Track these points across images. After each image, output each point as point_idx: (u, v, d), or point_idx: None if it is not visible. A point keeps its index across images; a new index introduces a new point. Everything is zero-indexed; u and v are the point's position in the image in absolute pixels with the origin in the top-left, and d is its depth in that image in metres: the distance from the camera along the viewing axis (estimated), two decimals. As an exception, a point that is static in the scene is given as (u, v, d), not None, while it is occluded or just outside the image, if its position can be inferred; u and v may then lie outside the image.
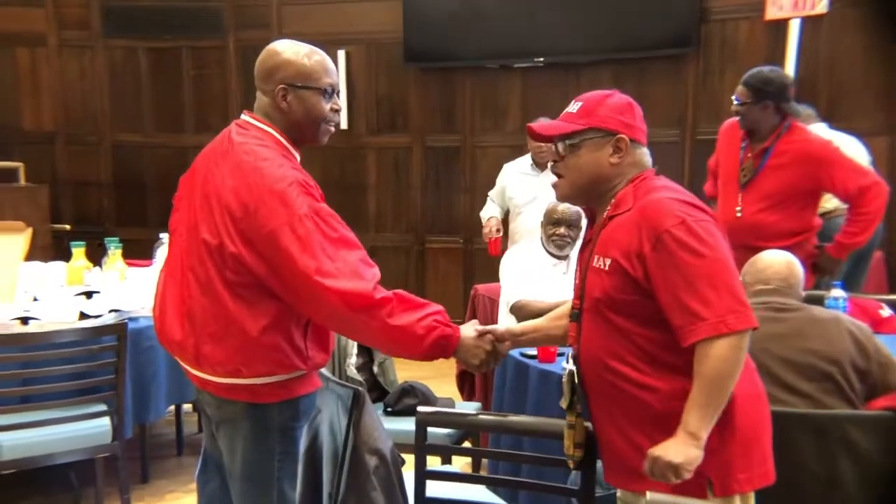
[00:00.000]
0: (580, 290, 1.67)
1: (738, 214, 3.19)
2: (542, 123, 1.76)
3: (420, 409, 1.84)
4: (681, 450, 1.45)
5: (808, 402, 1.81)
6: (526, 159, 4.16)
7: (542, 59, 5.47)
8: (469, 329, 1.81)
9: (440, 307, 1.77)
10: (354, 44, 5.89)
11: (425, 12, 5.61)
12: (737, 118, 3.19)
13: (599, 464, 1.71)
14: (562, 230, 3.18)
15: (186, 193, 1.85)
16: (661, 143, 5.45)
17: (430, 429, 2.52)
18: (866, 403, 1.85)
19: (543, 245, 3.24)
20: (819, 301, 2.54)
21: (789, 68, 4.98)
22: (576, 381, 1.65)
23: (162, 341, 1.87)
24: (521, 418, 1.76)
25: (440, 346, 1.72)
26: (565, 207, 3.20)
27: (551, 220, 3.20)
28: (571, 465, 1.72)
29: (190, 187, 1.83)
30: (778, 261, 2.12)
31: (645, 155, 1.69)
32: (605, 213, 1.64)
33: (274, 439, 1.80)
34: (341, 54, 5.83)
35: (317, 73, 1.83)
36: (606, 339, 1.59)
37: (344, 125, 5.88)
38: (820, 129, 4.08)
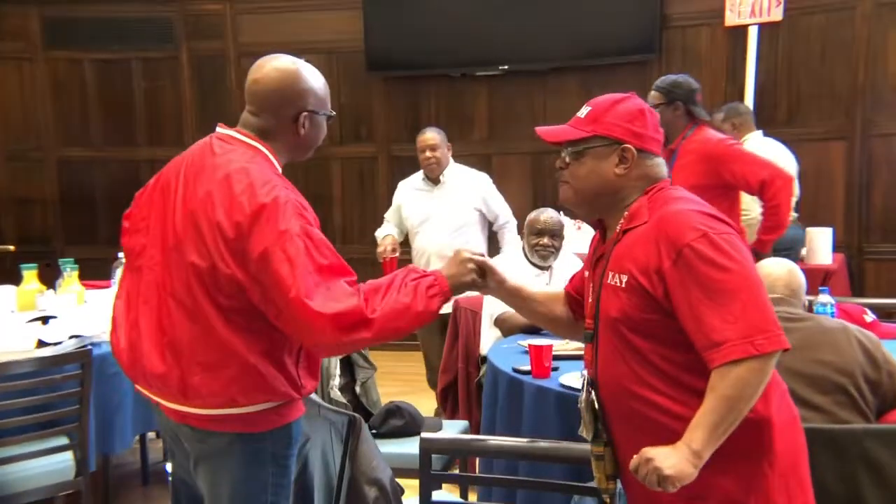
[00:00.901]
0: (594, 310, 1.57)
1: None
2: (548, 128, 1.67)
3: (424, 435, 1.73)
4: (677, 463, 1.35)
5: (822, 416, 1.76)
6: (419, 175, 3.93)
7: (506, 66, 5.42)
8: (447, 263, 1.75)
9: (406, 268, 1.72)
10: (314, 53, 5.72)
11: (386, 20, 5.52)
12: None
13: (618, 484, 1.62)
14: (545, 240, 3.12)
15: (157, 212, 1.72)
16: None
17: (407, 451, 2.44)
18: (881, 416, 1.81)
19: (526, 255, 3.17)
20: (808, 308, 2.52)
21: (749, 74, 5.05)
22: (597, 407, 1.55)
23: (133, 375, 1.73)
24: (537, 443, 1.67)
25: (432, 298, 1.65)
26: (548, 217, 3.14)
27: (534, 230, 3.14)
28: (608, 502, 1.61)
29: (161, 205, 1.71)
30: (780, 268, 2.08)
31: (658, 166, 1.59)
32: (619, 227, 1.55)
33: (267, 470, 1.71)
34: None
35: (327, 99, 1.83)
36: (627, 363, 1.49)
37: (305, 136, 5.75)
38: (756, 137, 4.15)
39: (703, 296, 1.40)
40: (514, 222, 3.87)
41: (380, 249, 3.76)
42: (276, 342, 1.63)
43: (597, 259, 1.63)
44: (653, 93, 3.35)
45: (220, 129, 1.77)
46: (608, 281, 1.53)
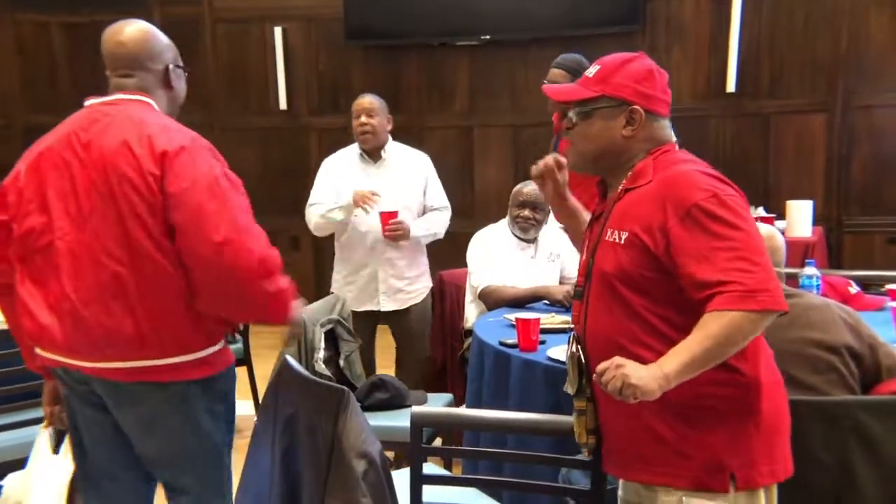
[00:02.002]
0: (586, 268, 1.58)
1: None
2: (555, 86, 1.67)
3: (415, 409, 1.71)
4: (646, 377, 1.35)
5: (817, 396, 1.76)
6: (353, 150, 3.29)
7: (487, 36, 5.35)
8: None
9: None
10: (291, 20, 5.63)
11: (366, -13, 5.41)
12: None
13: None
14: (526, 212, 3.08)
15: (53, 190, 1.73)
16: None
17: (392, 424, 2.43)
18: (871, 389, 1.81)
19: (510, 228, 3.14)
20: (793, 279, 2.53)
21: (733, 45, 5.04)
22: (583, 363, 1.55)
23: (68, 348, 1.72)
24: (529, 416, 1.66)
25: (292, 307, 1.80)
26: (531, 189, 3.10)
27: (517, 202, 3.11)
28: (586, 455, 1.63)
29: (57, 182, 1.73)
30: (768, 236, 2.04)
31: (664, 128, 1.58)
32: (622, 186, 1.54)
33: (221, 408, 1.83)
34: (278, 31, 5.57)
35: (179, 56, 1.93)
36: (618, 318, 1.49)
37: (283, 105, 5.64)
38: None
39: (712, 245, 1.40)
40: (449, 209, 3.37)
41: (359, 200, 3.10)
42: None
43: (595, 217, 1.63)
44: (556, 70, 3.39)
45: (96, 100, 1.83)
46: (606, 238, 1.53)
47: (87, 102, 1.84)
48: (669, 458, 1.47)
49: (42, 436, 1.96)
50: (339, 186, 3.19)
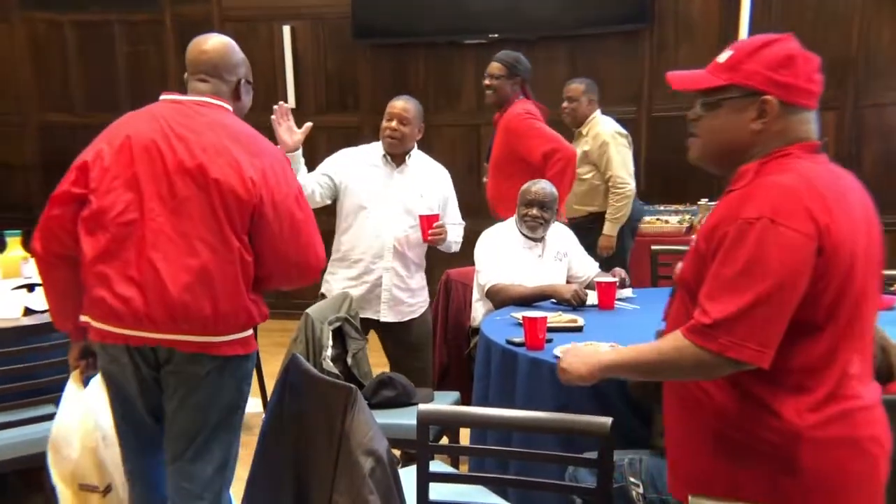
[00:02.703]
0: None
1: (484, 180, 3.74)
2: (679, 73, 1.51)
3: (422, 407, 1.72)
4: (575, 361, 1.48)
5: None
6: (376, 150, 3.14)
7: (496, 35, 5.35)
8: None
9: None
10: (300, 19, 5.65)
11: (374, -14, 5.42)
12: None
13: (614, 455, 1.63)
14: (534, 211, 3.08)
15: (144, 172, 1.87)
16: (618, 120, 5.43)
17: (399, 422, 2.45)
18: (883, 389, 1.81)
19: (517, 227, 3.15)
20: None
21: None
22: None
23: (141, 319, 1.86)
24: (535, 414, 1.67)
25: None
26: (539, 188, 3.11)
27: (524, 201, 3.11)
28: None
29: (148, 165, 1.87)
30: None
31: (806, 122, 1.40)
32: (728, 187, 1.42)
33: (245, 387, 2.03)
34: (286, 30, 5.59)
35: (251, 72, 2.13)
36: (680, 324, 1.42)
37: (291, 104, 5.66)
38: (598, 115, 4.22)
39: (721, 267, 1.32)
40: (464, 224, 3.29)
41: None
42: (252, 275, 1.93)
43: None
44: (495, 64, 3.53)
45: (174, 96, 2.00)
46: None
47: (164, 97, 2.01)
48: (697, 475, 1.45)
49: (71, 384, 2.17)
50: (348, 178, 3.06)
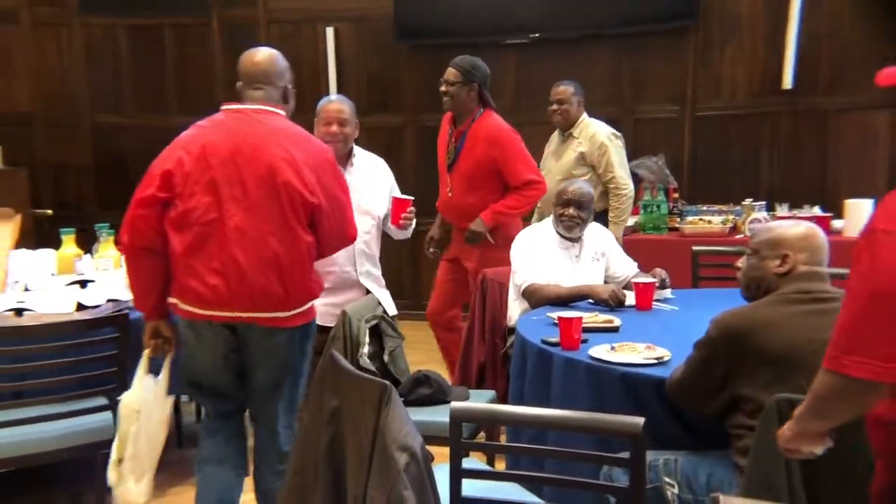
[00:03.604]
0: None
1: (450, 194, 3.68)
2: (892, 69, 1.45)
3: (455, 404, 1.75)
4: (785, 430, 1.50)
5: None
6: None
7: (536, 34, 5.35)
8: None
9: None
10: (343, 21, 5.72)
11: (417, -13, 5.45)
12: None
13: (649, 455, 1.63)
14: (571, 210, 3.07)
15: (222, 177, 2.19)
16: (661, 120, 5.38)
17: (434, 419, 2.47)
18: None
19: (554, 227, 3.15)
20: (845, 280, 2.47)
21: (791, 40, 4.93)
22: None
23: (227, 301, 2.20)
24: (567, 413, 1.68)
25: None
26: (576, 188, 3.11)
27: (561, 201, 3.11)
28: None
29: (223, 171, 2.19)
30: (808, 235, 2.01)
31: None
32: None
33: (309, 345, 2.40)
34: (329, 32, 5.67)
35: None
36: None
37: (334, 105, 5.74)
38: (586, 118, 4.16)
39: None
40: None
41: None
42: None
43: None
44: (451, 70, 3.56)
45: (238, 105, 2.32)
46: None
47: (226, 107, 2.33)
48: None
49: (142, 363, 2.39)
50: None
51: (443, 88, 3.60)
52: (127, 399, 2.34)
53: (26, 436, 2.54)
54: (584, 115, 4.18)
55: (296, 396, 2.42)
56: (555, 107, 4.13)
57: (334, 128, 3.04)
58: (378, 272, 3.19)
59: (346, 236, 2.43)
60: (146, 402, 2.33)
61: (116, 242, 3.48)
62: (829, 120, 5.03)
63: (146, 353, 2.38)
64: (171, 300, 2.29)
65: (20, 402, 2.54)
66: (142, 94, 6.09)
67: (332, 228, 2.32)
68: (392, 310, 3.07)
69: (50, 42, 6.10)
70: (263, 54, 2.39)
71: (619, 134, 4.15)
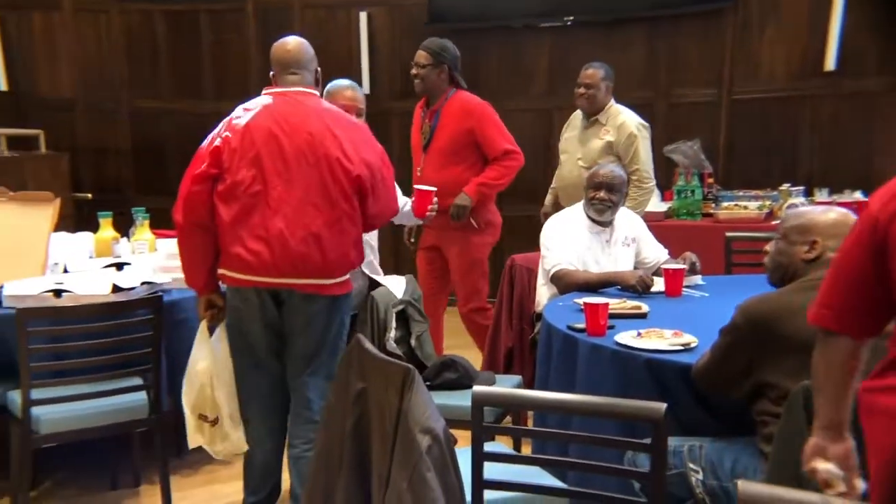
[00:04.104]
0: None
1: (419, 173, 3.72)
2: None
3: (476, 388, 1.76)
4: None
5: None
6: None
7: (570, 17, 5.29)
8: None
9: None
10: (377, 5, 5.72)
11: (450, -29, 5.43)
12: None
13: (668, 441, 1.62)
14: (602, 194, 3.04)
15: (267, 152, 2.34)
16: (697, 104, 5.29)
17: (459, 404, 2.49)
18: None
19: (585, 211, 3.13)
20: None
21: (835, 23, 4.79)
22: None
23: (269, 267, 2.35)
24: (589, 398, 1.68)
25: None
26: (607, 171, 3.08)
27: (592, 184, 3.08)
28: None
29: (267, 147, 2.35)
30: (841, 222, 1.93)
31: None
32: None
33: (347, 315, 2.53)
34: (363, 16, 5.68)
35: None
36: None
37: (366, 90, 5.75)
38: (614, 104, 3.95)
39: None
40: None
41: None
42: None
43: None
44: (421, 52, 3.60)
45: (275, 89, 2.48)
46: None
47: (266, 91, 2.49)
48: None
49: (200, 332, 2.54)
50: None
51: (413, 72, 3.65)
52: (198, 368, 2.48)
53: (65, 413, 2.61)
54: (612, 102, 3.98)
55: (332, 370, 2.45)
56: (582, 90, 3.94)
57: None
58: (377, 261, 3.11)
59: (391, 207, 2.56)
60: (216, 365, 2.47)
61: (152, 226, 3.57)
62: (875, 102, 4.90)
63: (203, 323, 2.52)
64: (220, 271, 2.44)
65: (59, 381, 2.62)
66: (179, 79, 6.18)
67: (378, 200, 2.45)
68: (400, 294, 3.01)
69: (90, 28, 6.22)
70: (294, 42, 2.55)
71: (647, 124, 3.97)
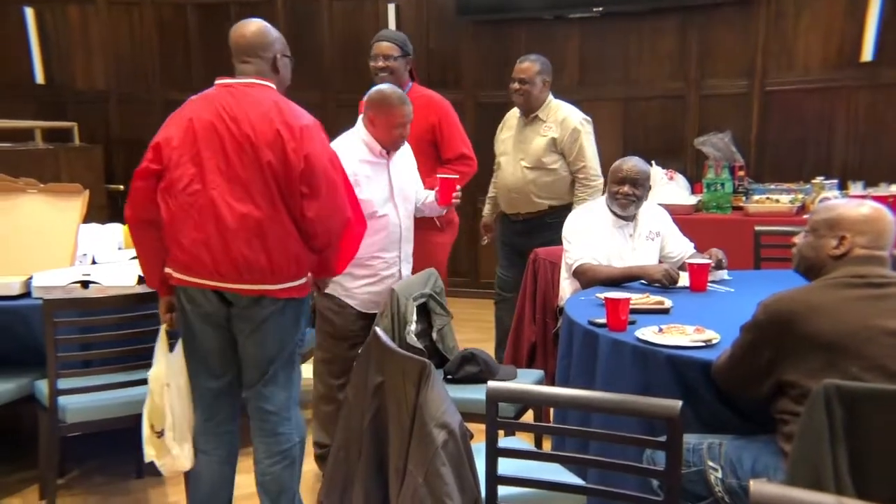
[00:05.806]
0: None
1: None
2: None
3: (491, 384, 1.75)
4: None
5: None
6: (356, 142, 2.84)
7: (600, 8, 5.22)
8: None
9: None
10: (404, -3, 5.72)
11: (479, -39, 5.39)
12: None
13: (688, 439, 1.60)
14: (626, 188, 3.00)
15: (206, 148, 2.19)
16: (729, 95, 5.20)
17: (478, 397, 2.46)
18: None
19: (608, 205, 3.09)
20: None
21: (873, 11, 4.66)
22: None
23: (214, 270, 2.20)
24: (605, 395, 1.65)
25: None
26: (631, 165, 3.04)
27: (616, 178, 3.04)
28: None
29: (208, 142, 2.20)
30: (875, 218, 1.87)
31: None
32: None
33: (303, 320, 2.37)
34: (391, 8, 5.67)
35: (287, 46, 2.41)
36: None
37: (394, 81, 5.76)
38: (553, 99, 3.80)
39: None
40: None
41: None
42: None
43: None
44: (388, 43, 3.44)
45: (229, 80, 2.30)
46: None
47: (218, 82, 2.32)
48: None
49: (161, 337, 2.44)
50: (362, 186, 2.73)
51: (381, 64, 3.38)
52: (154, 374, 2.38)
53: (91, 403, 2.67)
54: (551, 97, 3.75)
55: (291, 378, 2.35)
56: (516, 85, 3.66)
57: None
58: (411, 254, 3.03)
59: (338, 209, 2.29)
60: (172, 374, 2.36)
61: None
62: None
63: (163, 327, 2.40)
64: (166, 269, 2.29)
65: (86, 371, 2.67)
66: (210, 71, 6.20)
67: (318, 200, 2.22)
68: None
69: (123, 21, 6.32)
70: (251, 27, 2.35)
71: (590, 119, 3.75)
